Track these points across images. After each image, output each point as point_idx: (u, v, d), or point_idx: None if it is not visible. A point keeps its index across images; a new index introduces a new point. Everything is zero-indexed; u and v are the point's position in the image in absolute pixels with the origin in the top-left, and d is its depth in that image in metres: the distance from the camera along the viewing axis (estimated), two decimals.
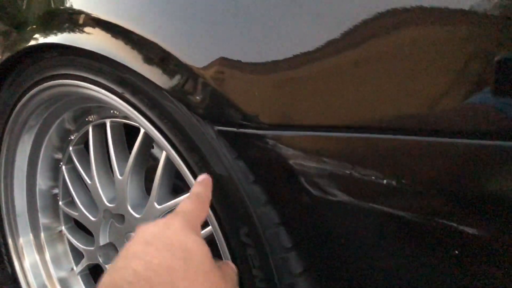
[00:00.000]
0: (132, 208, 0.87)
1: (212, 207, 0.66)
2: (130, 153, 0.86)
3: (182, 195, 0.79)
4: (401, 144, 0.52)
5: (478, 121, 0.46)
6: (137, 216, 0.86)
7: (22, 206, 1.07)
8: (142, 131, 0.82)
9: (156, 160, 1.00)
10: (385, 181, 0.53)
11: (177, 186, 0.86)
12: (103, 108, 0.91)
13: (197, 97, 0.62)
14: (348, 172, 0.55)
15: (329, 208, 0.57)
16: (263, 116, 0.58)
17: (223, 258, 0.67)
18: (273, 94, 0.57)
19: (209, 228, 0.71)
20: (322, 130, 0.55)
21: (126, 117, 0.87)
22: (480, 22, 0.45)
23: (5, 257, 1.13)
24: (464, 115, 0.47)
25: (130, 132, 0.91)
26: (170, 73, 0.63)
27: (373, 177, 0.54)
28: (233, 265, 0.61)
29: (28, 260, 1.10)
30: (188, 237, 0.50)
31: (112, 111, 0.89)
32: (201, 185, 0.60)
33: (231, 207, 0.63)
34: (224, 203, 0.64)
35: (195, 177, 0.66)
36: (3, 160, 1.02)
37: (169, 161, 0.78)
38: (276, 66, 0.56)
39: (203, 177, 0.62)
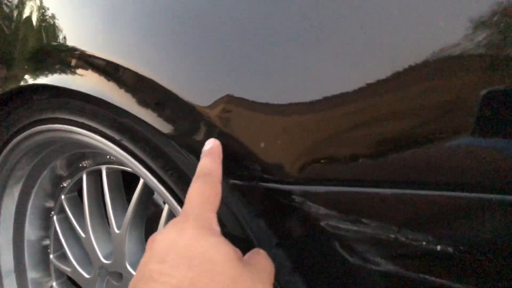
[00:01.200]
0: (131, 266, 0.77)
1: None
2: (128, 202, 0.76)
3: None
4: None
5: None
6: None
7: (9, 264, 0.97)
8: (141, 181, 0.73)
9: (158, 207, 0.90)
10: (438, 248, 0.44)
11: None
12: (98, 153, 0.82)
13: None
14: (392, 236, 0.46)
15: (369, 280, 0.48)
16: (289, 168, 0.49)
17: None
18: (301, 141, 0.48)
19: None
20: (360, 185, 0.46)
21: (123, 164, 0.78)
22: None
23: None
24: None
25: (128, 179, 0.82)
26: (175, 117, 0.54)
27: (423, 243, 0.45)
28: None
29: None
30: (206, 243, 0.43)
31: (108, 157, 0.80)
32: (209, 157, 0.49)
33: None
34: None
35: None
36: None
37: (172, 216, 0.69)
38: (303, 108, 0.47)
39: (211, 143, 0.51)
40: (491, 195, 0.41)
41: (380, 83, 0.43)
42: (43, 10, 0.74)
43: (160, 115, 0.56)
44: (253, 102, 0.50)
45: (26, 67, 0.75)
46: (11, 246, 0.97)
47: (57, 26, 0.70)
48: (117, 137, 0.62)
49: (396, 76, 0.43)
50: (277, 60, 0.48)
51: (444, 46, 0.40)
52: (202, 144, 0.53)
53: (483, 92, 0.39)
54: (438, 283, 0.44)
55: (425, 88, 0.42)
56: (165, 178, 0.58)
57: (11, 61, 0.79)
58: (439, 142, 0.42)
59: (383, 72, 0.43)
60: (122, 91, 0.57)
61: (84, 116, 0.65)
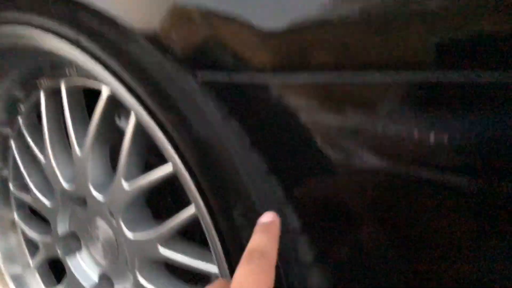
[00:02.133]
0: (95, 189, 0.72)
1: (195, 181, 0.51)
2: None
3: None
4: None
5: None
6: (101, 198, 0.71)
7: None
8: (104, 91, 0.66)
9: (122, 134, 0.84)
10: (432, 138, 0.40)
11: (149, 163, 0.71)
12: (56, 68, 0.75)
13: (176, 38, 0.47)
14: (379, 127, 0.41)
15: (354, 179, 0.43)
16: (263, 56, 0.43)
17: (211, 243, 0.53)
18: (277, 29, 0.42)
19: (192, 211, 0.57)
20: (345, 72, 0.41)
21: (84, 77, 0.71)
22: None
23: None
24: None
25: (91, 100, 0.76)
26: (139, 7, 0.48)
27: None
28: None
29: None
30: None
31: (67, 71, 0.73)
32: (265, 234, 0.42)
33: (222, 181, 0.49)
34: (211, 176, 0.50)
35: (173, 144, 0.51)
36: None
37: (139, 126, 0.63)
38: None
39: (270, 217, 0.43)
40: None
41: None
42: None
43: (124, 6, 0.49)
44: None
45: None
46: None
47: None
48: (73, 35, 0.55)
49: None
50: None
51: None
52: (169, 37, 0.47)
53: None
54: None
55: None
56: (126, 77, 0.52)
57: None
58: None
59: None
60: None
61: (35, 12, 0.58)
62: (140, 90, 0.51)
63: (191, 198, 0.53)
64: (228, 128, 0.47)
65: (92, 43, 0.54)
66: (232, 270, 0.53)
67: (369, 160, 0.42)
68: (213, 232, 0.52)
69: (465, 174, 0.38)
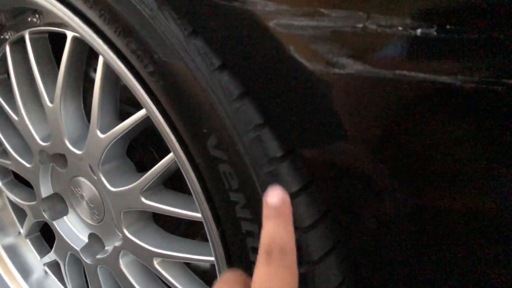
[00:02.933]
0: (71, 144, 0.67)
1: (166, 116, 0.46)
2: None
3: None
4: None
5: None
6: (78, 152, 0.66)
7: None
8: (69, 35, 0.61)
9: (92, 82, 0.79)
10: (418, 31, 0.35)
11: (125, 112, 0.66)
12: (19, 18, 0.69)
13: None
14: (360, 25, 0.36)
15: (331, 88, 0.38)
16: None
17: (190, 185, 0.49)
18: None
19: (170, 155, 0.52)
20: None
21: (49, 24, 0.65)
22: None
23: None
24: None
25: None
26: None
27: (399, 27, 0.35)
28: None
29: None
30: None
31: (30, 19, 0.67)
32: (280, 222, 0.35)
33: (191, 110, 0.44)
34: (180, 106, 0.45)
35: (138, 78, 0.46)
36: None
37: (109, 69, 0.57)
38: None
39: (277, 196, 0.35)
40: None
41: None
42: None
43: None
44: None
45: None
46: None
47: None
48: None
49: None
50: None
51: None
52: None
53: None
54: None
55: None
56: (88, 14, 0.46)
57: None
58: None
59: None
60: None
61: None
62: (104, 25, 0.46)
63: (165, 139, 0.48)
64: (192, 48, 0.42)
65: None
66: (214, 212, 0.48)
67: None
68: (190, 171, 0.48)
69: None
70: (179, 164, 0.50)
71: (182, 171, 0.50)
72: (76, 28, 0.51)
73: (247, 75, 0.41)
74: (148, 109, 0.48)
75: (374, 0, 0.34)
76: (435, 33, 0.33)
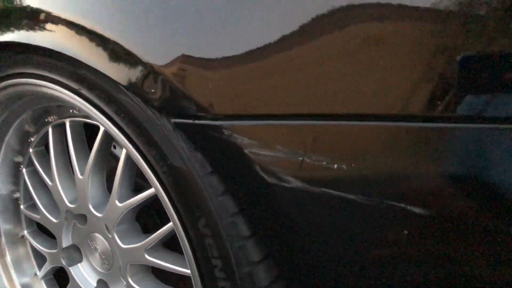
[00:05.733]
0: (93, 208, 0.87)
1: (171, 200, 0.66)
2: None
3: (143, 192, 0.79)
4: (349, 129, 0.54)
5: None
6: (98, 215, 0.86)
7: None
8: (101, 129, 0.82)
9: (117, 160, 1.00)
10: (335, 166, 0.55)
11: (138, 184, 0.86)
12: (62, 108, 0.91)
13: (153, 91, 0.62)
14: (300, 158, 0.56)
15: (284, 195, 0.59)
16: (218, 107, 0.59)
17: (183, 250, 0.68)
18: (226, 86, 0.58)
19: (170, 224, 0.71)
20: (274, 119, 0.57)
21: (85, 116, 0.87)
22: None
23: None
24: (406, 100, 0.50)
25: (90, 133, 0.91)
26: (126, 68, 0.64)
27: (323, 163, 0.56)
28: None
29: None
30: None
31: (71, 111, 0.89)
32: None
33: (190, 199, 0.64)
34: (182, 195, 0.65)
35: (153, 171, 0.66)
36: None
37: (129, 158, 0.78)
38: (228, 60, 0.57)
39: None
40: (371, 123, 0.52)
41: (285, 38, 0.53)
42: None
43: (116, 67, 0.65)
44: (192, 58, 0.59)
45: None
46: None
47: None
48: (76, 87, 0.71)
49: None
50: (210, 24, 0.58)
51: None
52: (149, 91, 0.62)
53: None
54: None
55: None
56: (118, 120, 0.68)
57: None
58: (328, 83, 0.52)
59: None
60: (83, 47, 0.66)
61: (47, 69, 0.74)
62: (128, 130, 0.67)
63: (168, 215, 0.68)
64: (194, 158, 0.63)
65: (90, 93, 0.70)
66: (199, 271, 0.67)
67: None
68: (185, 240, 0.67)
69: None
70: (176, 232, 0.69)
71: (179, 238, 0.69)
72: (109, 130, 0.72)
73: (228, 179, 0.62)
74: (158, 192, 0.68)
75: None
76: None
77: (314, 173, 0.57)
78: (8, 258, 1.09)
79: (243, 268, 0.63)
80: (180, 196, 0.65)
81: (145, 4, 0.62)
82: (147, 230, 0.89)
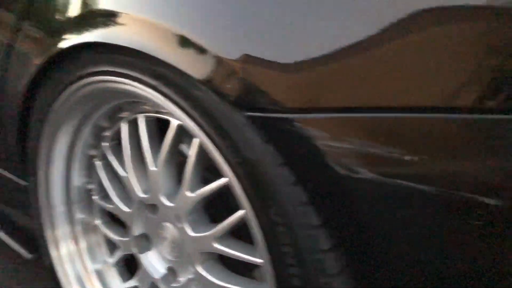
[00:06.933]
0: (164, 198, 0.92)
1: (244, 189, 0.70)
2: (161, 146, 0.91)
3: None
4: (422, 122, 0.55)
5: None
6: (170, 204, 0.91)
7: (59, 201, 1.13)
8: (173, 123, 0.86)
9: (184, 157, 1.04)
10: (408, 158, 0.57)
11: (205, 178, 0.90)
12: (135, 104, 0.96)
13: (228, 86, 0.66)
14: (372, 150, 0.58)
15: (355, 187, 0.61)
16: (290, 100, 0.62)
17: (255, 237, 0.71)
18: (298, 80, 0.61)
19: (239, 213, 0.75)
20: (345, 111, 0.59)
21: (157, 112, 0.92)
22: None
23: (43, 248, 1.19)
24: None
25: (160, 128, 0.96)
26: (203, 65, 0.68)
27: (396, 155, 0.57)
28: None
29: (64, 251, 1.16)
30: None
31: (143, 107, 0.94)
32: None
33: (262, 189, 0.67)
34: (254, 185, 0.68)
35: (227, 162, 0.70)
36: (43, 159, 1.08)
37: (200, 150, 0.82)
38: (301, 54, 0.60)
39: None
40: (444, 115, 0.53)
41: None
42: None
43: (192, 64, 0.69)
44: (265, 52, 0.63)
45: (73, 29, 0.89)
46: (63, 193, 1.13)
47: None
48: (154, 83, 0.76)
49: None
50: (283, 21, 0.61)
51: None
52: (225, 86, 0.66)
53: None
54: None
55: None
56: (194, 114, 0.72)
57: (57, 29, 0.93)
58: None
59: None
60: (161, 45, 0.71)
61: (126, 67, 0.79)
62: (203, 123, 0.71)
63: (240, 203, 0.72)
64: (265, 150, 0.66)
65: (168, 88, 0.74)
66: (271, 257, 0.70)
67: None
68: (257, 228, 0.70)
69: None
70: (248, 220, 0.73)
71: (250, 226, 0.72)
72: (185, 123, 0.76)
73: (299, 170, 0.65)
74: (232, 182, 0.72)
75: None
76: None
77: (385, 165, 0.58)
78: (82, 245, 1.17)
79: (313, 255, 0.65)
80: (252, 185, 0.68)
81: (222, 2, 0.66)
82: (213, 220, 0.93)
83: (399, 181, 0.58)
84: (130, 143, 0.98)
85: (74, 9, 0.89)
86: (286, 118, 0.62)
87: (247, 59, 0.63)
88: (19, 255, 1.41)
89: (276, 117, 0.63)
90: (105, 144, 1.05)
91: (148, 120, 0.94)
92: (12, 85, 1.06)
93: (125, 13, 0.78)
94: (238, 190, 0.71)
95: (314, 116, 0.61)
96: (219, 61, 0.65)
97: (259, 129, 0.66)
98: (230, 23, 0.65)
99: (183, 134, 0.91)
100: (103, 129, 1.06)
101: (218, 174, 0.90)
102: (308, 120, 0.61)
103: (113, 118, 1.03)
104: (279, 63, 0.62)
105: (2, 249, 1.63)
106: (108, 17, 0.81)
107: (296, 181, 0.65)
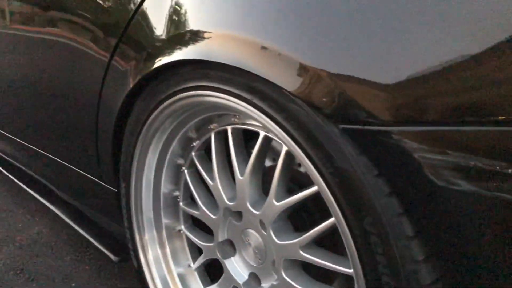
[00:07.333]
0: (251, 205, 0.96)
1: (336, 199, 0.72)
2: (246, 156, 0.96)
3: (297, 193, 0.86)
4: None
5: None
6: (255, 212, 0.95)
7: (148, 207, 1.21)
8: (261, 135, 0.91)
9: (275, 161, 1.08)
10: (510, 171, 0.57)
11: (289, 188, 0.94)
12: (224, 117, 1.02)
13: (324, 99, 0.69)
14: (471, 163, 0.59)
15: (452, 199, 0.61)
16: (387, 114, 0.64)
17: (346, 246, 0.73)
18: (396, 93, 0.63)
19: (332, 219, 0.77)
20: (445, 125, 0.60)
21: (245, 124, 0.97)
22: None
23: (132, 252, 1.27)
24: None
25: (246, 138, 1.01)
26: (298, 79, 0.71)
27: (496, 168, 0.58)
28: None
29: (152, 254, 1.23)
30: None
31: (232, 119, 0.99)
32: None
33: (355, 199, 0.69)
34: (348, 195, 0.70)
35: (320, 171, 0.73)
36: (134, 168, 1.16)
37: (286, 160, 0.86)
38: (399, 68, 0.62)
39: None
40: None
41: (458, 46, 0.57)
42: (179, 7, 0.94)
43: (288, 78, 0.73)
44: (362, 65, 0.65)
45: (168, 49, 0.96)
46: (151, 199, 1.21)
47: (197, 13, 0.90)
48: (248, 97, 0.80)
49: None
50: (379, 35, 0.64)
51: None
52: (320, 99, 0.69)
53: None
54: None
55: None
56: (287, 126, 0.75)
57: (155, 48, 1.01)
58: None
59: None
60: (257, 62, 0.75)
61: (221, 82, 0.85)
62: (297, 135, 0.74)
63: (332, 212, 0.74)
64: (359, 162, 0.68)
65: (262, 102, 0.79)
66: (363, 267, 0.72)
67: None
68: (349, 237, 0.73)
69: None
70: (340, 230, 0.75)
71: (342, 236, 0.75)
72: (279, 135, 0.80)
73: (395, 181, 0.66)
74: (323, 192, 0.74)
75: None
76: None
77: (486, 179, 0.59)
78: (167, 249, 1.24)
79: (407, 266, 0.66)
80: (345, 195, 0.71)
81: (315, 19, 0.69)
82: (296, 229, 0.96)
83: (500, 194, 0.58)
84: (219, 152, 1.03)
85: (169, 30, 0.96)
86: (383, 131, 0.64)
87: (345, 75, 0.66)
88: (104, 257, 1.52)
89: (373, 129, 0.65)
90: (192, 153, 1.12)
91: (237, 131, 0.99)
92: (108, 101, 1.15)
93: (227, 34, 0.83)
94: (329, 199, 0.74)
95: (413, 129, 0.63)
96: (317, 76, 0.69)
97: (353, 140, 0.68)
98: (329, 40, 0.68)
99: (268, 145, 0.95)
100: (191, 139, 1.12)
101: (302, 184, 0.93)
102: (406, 133, 0.63)
103: (201, 129, 1.09)
104: (375, 77, 0.64)
105: (88, 250, 1.76)
106: (203, 36, 0.87)
107: (391, 192, 0.66)
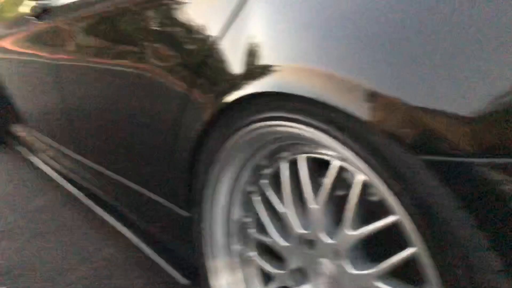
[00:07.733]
0: (324, 234, 0.97)
1: (419, 230, 0.72)
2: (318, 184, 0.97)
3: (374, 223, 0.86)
4: None
5: None
6: (329, 241, 0.95)
7: (219, 232, 1.24)
8: (334, 163, 0.92)
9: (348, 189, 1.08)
10: None
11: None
12: (295, 146, 1.04)
13: (404, 130, 0.70)
14: None
15: None
16: (472, 145, 0.63)
17: (430, 276, 0.73)
18: (480, 127, 0.63)
19: (412, 249, 0.77)
20: None
21: (317, 153, 0.98)
22: None
23: (202, 277, 1.30)
24: None
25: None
26: (378, 110, 0.73)
27: None
28: None
29: (222, 280, 1.26)
30: None
31: (304, 148, 1.02)
32: None
33: (438, 231, 0.69)
34: (429, 226, 0.70)
35: (400, 201, 0.73)
36: (207, 194, 1.21)
37: (362, 189, 0.87)
38: (481, 99, 0.62)
39: None
40: None
41: None
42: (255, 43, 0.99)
43: (366, 109, 0.74)
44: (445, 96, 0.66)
45: (242, 82, 1.00)
46: (223, 225, 1.24)
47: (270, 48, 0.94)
48: (325, 127, 0.82)
49: None
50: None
51: None
52: (399, 130, 0.70)
53: None
54: None
55: None
56: (365, 155, 0.76)
57: (231, 79, 1.06)
58: None
59: None
60: (335, 94, 0.78)
61: (297, 113, 0.87)
62: (376, 165, 0.75)
63: (413, 241, 0.74)
64: (442, 193, 0.68)
65: (339, 132, 0.80)
66: None
67: None
68: (432, 269, 0.72)
69: None
70: (422, 261, 0.74)
71: (423, 267, 0.74)
72: (357, 165, 0.81)
73: (479, 213, 0.65)
74: (403, 220, 0.74)
75: None
76: None
77: None
78: (238, 276, 1.26)
79: None
80: (427, 226, 0.70)
81: (396, 51, 0.71)
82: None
83: None
84: (290, 181, 1.05)
85: (245, 65, 1.00)
86: (467, 162, 0.64)
87: (427, 107, 0.67)
88: (174, 281, 1.57)
89: (456, 161, 0.65)
90: (264, 181, 1.14)
91: (308, 160, 1.01)
92: (185, 130, 1.21)
93: (304, 68, 0.86)
94: (410, 229, 0.73)
95: (497, 161, 0.62)
96: (397, 107, 0.70)
97: (436, 171, 0.68)
98: (410, 71, 0.69)
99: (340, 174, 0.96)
100: (262, 167, 1.15)
101: (375, 214, 0.93)
102: (490, 164, 0.62)
103: (273, 157, 1.12)
104: (458, 108, 0.64)
105: (159, 274, 1.82)
106: (279, 69, 0.91)
107: (478, 225, 0.65)
